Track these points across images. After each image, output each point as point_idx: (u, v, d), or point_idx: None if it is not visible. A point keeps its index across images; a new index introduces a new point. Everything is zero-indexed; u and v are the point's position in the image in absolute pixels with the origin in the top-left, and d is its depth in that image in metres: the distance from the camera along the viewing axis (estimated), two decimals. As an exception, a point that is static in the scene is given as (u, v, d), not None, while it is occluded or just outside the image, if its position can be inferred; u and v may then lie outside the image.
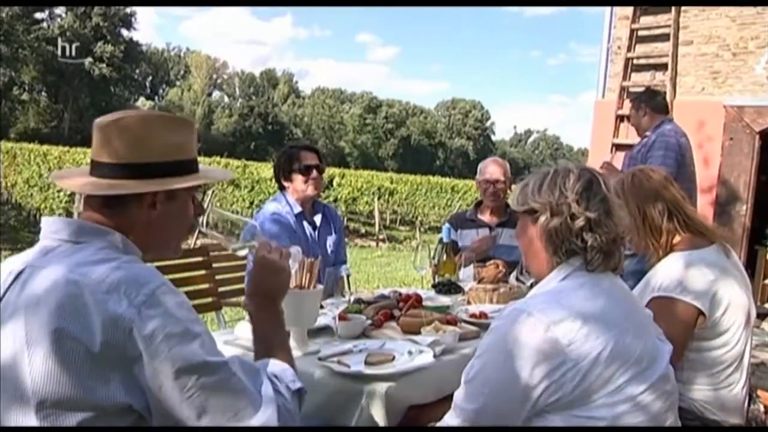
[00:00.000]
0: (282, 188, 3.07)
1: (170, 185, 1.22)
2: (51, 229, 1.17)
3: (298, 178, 2.98)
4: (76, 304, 1.03)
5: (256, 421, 1.10)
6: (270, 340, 1.32)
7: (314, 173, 2.99)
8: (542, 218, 1.40)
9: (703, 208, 6.55)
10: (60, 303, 1.04)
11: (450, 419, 1.35)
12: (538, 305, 1.30)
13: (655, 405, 1.29)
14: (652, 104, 4.15)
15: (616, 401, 1.24)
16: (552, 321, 1.25)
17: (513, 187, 1.57)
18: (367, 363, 1.70)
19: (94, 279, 1.05)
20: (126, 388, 1.04)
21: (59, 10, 42.70)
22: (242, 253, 1.53)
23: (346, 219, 15.49)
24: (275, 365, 1.25)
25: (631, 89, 7.33)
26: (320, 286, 1.92)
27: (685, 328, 1.83)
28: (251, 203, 14.27)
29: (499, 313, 1.40)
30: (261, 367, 1.21)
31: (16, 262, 1.16)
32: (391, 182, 18.35)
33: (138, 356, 1.03)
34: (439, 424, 1.39)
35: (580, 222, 1.35)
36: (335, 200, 15.58)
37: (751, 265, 6.39)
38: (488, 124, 76.17)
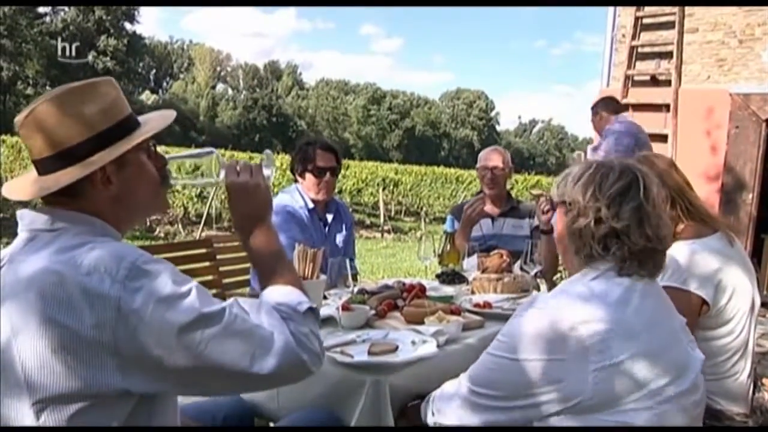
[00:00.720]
0: (297, 180, 3.05)
1: (112, 155, 1.16)
2: (27, 220, 1.16)
3: (311, 179, 2.94)
4: (60, 292, 1.02)
5: (273, 356, 1.09)
6: (268, 265, 1.28)
7: (327, 176, 2.94)
8: (570, 214, 1.36)
9: (709, 196, 6.53)
10: (44, 294, 1.03)
11: (452, 387, 1.37)
12: (564, 302, 1.27)
13: (680, 413, 1.26)
14: (607, 109, 5.01)
15: (641, 408, 1.21)
16: (581, 320, 1.22)
17: (559, 181, 1.51)
18: (370, 353, 1.70)
19: (73, 264, 1.04)
20: (122, 372, 1.03)
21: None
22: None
23: (351, 210, 15.43)
24: (278, 292, 1.22)
25: (636, 78, 7.29)
26: (323, 277, 1.92)
27: (689, 317, 1.81)
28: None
29: (525, 302, 1.35)
30: (263, 300, 1.19)
31: None
32: (396, 173, 18.30)
33: (131, 336, 1.01)
34: (437, 391, 1.41)
35: (603, 229, 1.30)
36: (340, 192, 15.56)
37: (757, 254, 6.36)
38: (493, 114, 75.87)
